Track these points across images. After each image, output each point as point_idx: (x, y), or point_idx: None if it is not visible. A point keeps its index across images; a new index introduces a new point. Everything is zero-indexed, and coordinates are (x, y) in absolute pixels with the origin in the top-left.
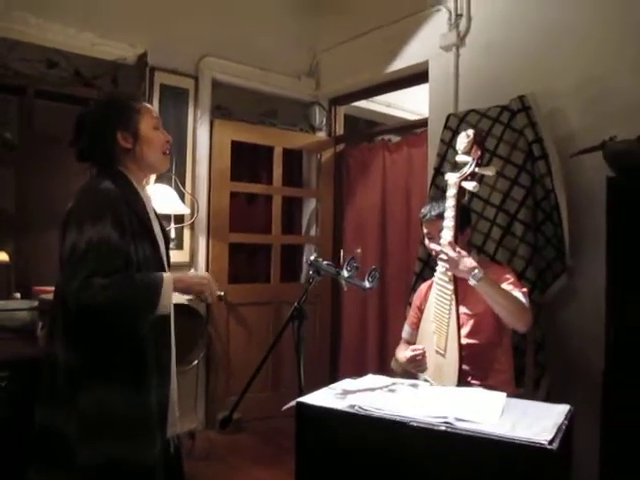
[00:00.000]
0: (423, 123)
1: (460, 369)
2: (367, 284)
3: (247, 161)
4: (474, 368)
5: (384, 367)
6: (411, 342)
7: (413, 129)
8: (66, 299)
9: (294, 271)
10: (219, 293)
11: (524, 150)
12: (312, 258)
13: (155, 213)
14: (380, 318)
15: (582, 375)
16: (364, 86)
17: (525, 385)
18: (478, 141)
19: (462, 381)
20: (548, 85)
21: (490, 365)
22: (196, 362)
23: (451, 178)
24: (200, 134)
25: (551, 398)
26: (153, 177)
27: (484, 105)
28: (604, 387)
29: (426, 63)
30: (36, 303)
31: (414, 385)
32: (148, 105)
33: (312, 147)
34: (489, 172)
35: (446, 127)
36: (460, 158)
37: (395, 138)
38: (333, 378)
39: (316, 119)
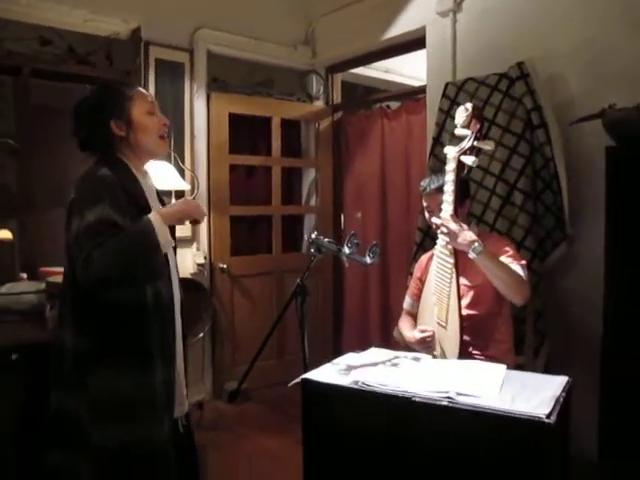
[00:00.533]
0: (421, 90)
1: (461, 340)
2: (368, 260)
3: (245, 133)
4: (475, 338)
5: (387, 336)
6: (413, 313)
7: (411, 96)
8: (76, 282)
9: (295, 241)
10: (222, 265)
11: (523, 119)
12: (313, 236)
13: (159, 197)
14: (382, 287)
15: (582, 343)
16: (361, 53)
17: (525, 353)
18: (477, 115)
19: (463, 351)
20: (546, 49)
21: (490, 335)
22: (202, 335)
23: (450, 152)
24: (197, 108)
25: (551, 366)
26: None
27: (483, 71)
28: (602, 357)
29: (423, 29)
30: (43, 285)
31: (416, 358)
32: (142, 90)
33: (310, 116)
34: (487, 146)
35: (444, 96)
36: (459, 131)
37: (394, 104)
38: (337, 350)
39: (313, 88)
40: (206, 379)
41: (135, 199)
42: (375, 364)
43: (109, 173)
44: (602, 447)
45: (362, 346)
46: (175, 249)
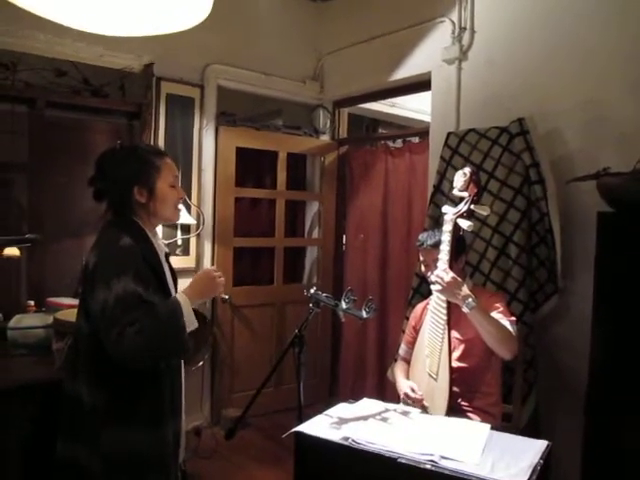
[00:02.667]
0: (425, 132)
1: (450, 392)
2: (364, 314)
3: (251, 166)
4: (464, 390)
5: (382, 372)
6: (407, 359)
7: (415, 136)
8: (95, 341)
9: (297, 272)
10: (224, 296)
11: (521, 174)
12: (312, 291)
13: (165, 254)
14: (380, 321)
15: (569, 392)
16: (368, 91)
17: (513, 402)
18: (474, 180)
19: (452, 403)
20: (547, 105)
21: (479, 388)
22: (202, 363)
23: (448, 214)
24: (206, 141)
25: (539, 414)
26: None
27: (485, 120)
28: (586, 407)
29: (429, 74)
30: (50, 319)
31: (405, 413)
32: (169, 162)
33: (316, 150)
34: (483, 212)
35: (446, 145)
36: (457, 193)
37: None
38: (333, 388)
39: (320, 122)
40: (204, 406)
41: (153, 268)
42: (366, 418)
43: (131, 242)
44: None
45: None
46: (176, 287)
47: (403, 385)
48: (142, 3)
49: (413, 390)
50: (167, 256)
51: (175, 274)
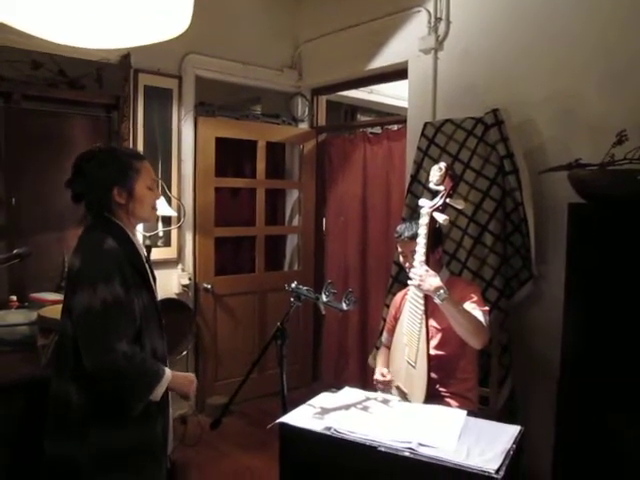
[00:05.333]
0: (402, 120)
1: (429, 378)
2: (344, 306)
3: (231, 156)
4: (442, 377)
5: (364, 356)
6: (388, 346)
7: (392, 124)
8: (84, 357)
9: (278, 260)
10: (206, 285)
11: (496, 164)
12: (293, 285)
13: (145, 252)
14: (361, 306)
15: (543, 374)
16: (346, 79)
17: (490, 386)
18: (450, 174)
19: (431, 389)
20: (520, 95)
21: (456, 374)
22: (185, 352)
23: (424, 208)
24: (185, 132)
25: (515, 397)
26: None
27: (461, 110)
28: (559, 385)
29: (406, 63)
30: (35, 315)
31: (386, 401)
32: (147, 165)
33: (295, 139)
34: (458, 206)
35: (423, 135)
36: (433, 187)
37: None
38: (316, 373)
39: (298, 110)
40: None
41: (136, 268)
42: (347, 407)
43: (115, 245)
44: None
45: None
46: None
47: (376, 372)
48: (121, 17)
49: (383, 375)
50: (148, 250)
51: (152, 270)
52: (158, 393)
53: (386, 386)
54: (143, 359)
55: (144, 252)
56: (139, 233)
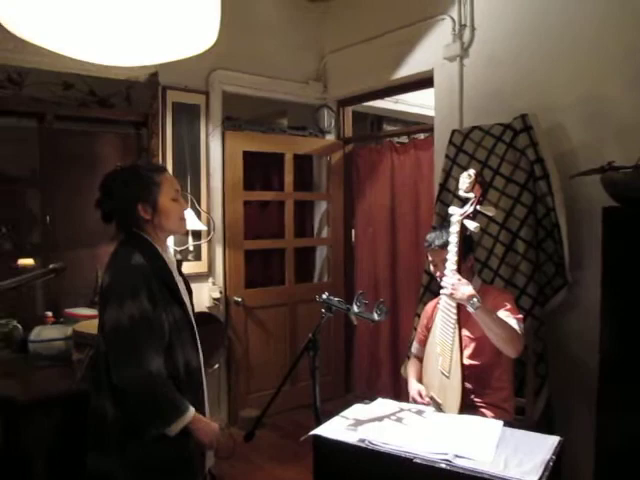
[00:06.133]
0: (429, 128)
1: (463, 389)
2: (376, 317)
3: (259, 169)
4: (476, 387)
5: (396, 367)
6: (420, 357)
7: (419, 133)
8: (112, 372)
9: (307, 272)
10: (236, 299)
11: (526, 170)
12: (324, 296)
13: (178, 268)
14: (392, 319)
15: (580, 383)
16: (371, 89)
17: (526, 396)
18: (479, 181)
19: (465, 399)
20: (549, 100)
21: (491, 383)
22: (217, 365)
23: (454, 216)
24: (212, 147)
25: (552, 407)
26: None
27: (488, 117)
28: (598, 394)
29: (431, 71)
30: (70, 330)
31: (419, 412)
32: (168, 176)
33: (321, 150)
34: (489, 212)
35: (451, 143)
36: (462, 194)
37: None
38: (348, 384)
39: (325, 121)
40: (222, 407)
41: (166, 283)
42: (381, 419)
43: (143, 261)
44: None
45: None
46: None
47: (412, 389)
48: (149, 34)
49: (420, 395)
50: (179, 264)
51: (188, 283)
52: (175, 429)
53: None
54: (167, 386)
55: (175, 266)
56: (170, 248)
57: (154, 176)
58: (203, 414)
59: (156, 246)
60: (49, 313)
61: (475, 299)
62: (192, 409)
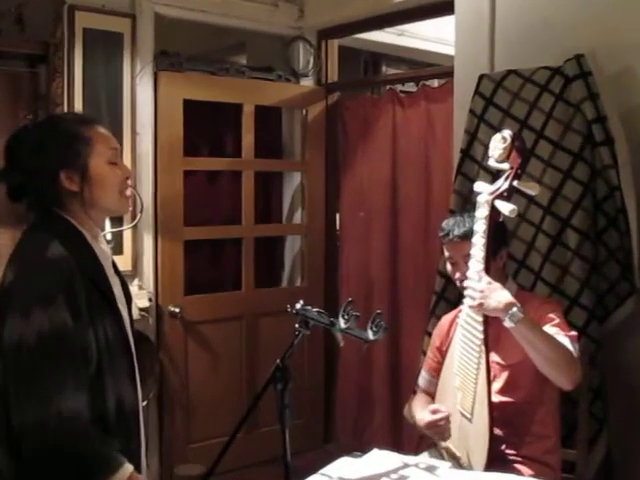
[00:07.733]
0: (448, 72)
1: (491, 436)
2: (370, 335)
3: (206, 126)
4: (509, 434)
5: (395, 408)
6: (430, 392)
7: (433, 78)
8: (11, 412)
9: (273, 272)
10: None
11: (581, 132)
12: (298, 306)
13: (114, 266)
14: (391, 340)
15: None
16: (366, 16)
17: (577, 446)
18: (517, 147)
19: (494, 451)
20: (616, 34)
21: (529, 429)
22: (145, 403)
23: (482, 194)
24: (141, 94)
25: (612, 461)
26: None
27: (529, 59)
28: None
29: None
30: None
31: (431, 468)
32: (102, 130)
33: (295, 101)
34: (531, 191)
35: (477, 92)
36: (494, 165)
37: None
38: (329, 431)
39: (300, 60)
40: (151, 461)
41: (96, 284)
42: (378, 478)
43: (63, 253)
44: None
45: (364, 418)
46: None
47: (421, 415)
48: None
49: (435, 411)
50: (114, 263)
51: (127, 286)
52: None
53: (445, 425)
54: (89, 435)
55: (110, 262)
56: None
57: (81, 130)
58: (138, 471)
59: (83, 232)
60: None
61: (515, 309)
62: (129, 465)
